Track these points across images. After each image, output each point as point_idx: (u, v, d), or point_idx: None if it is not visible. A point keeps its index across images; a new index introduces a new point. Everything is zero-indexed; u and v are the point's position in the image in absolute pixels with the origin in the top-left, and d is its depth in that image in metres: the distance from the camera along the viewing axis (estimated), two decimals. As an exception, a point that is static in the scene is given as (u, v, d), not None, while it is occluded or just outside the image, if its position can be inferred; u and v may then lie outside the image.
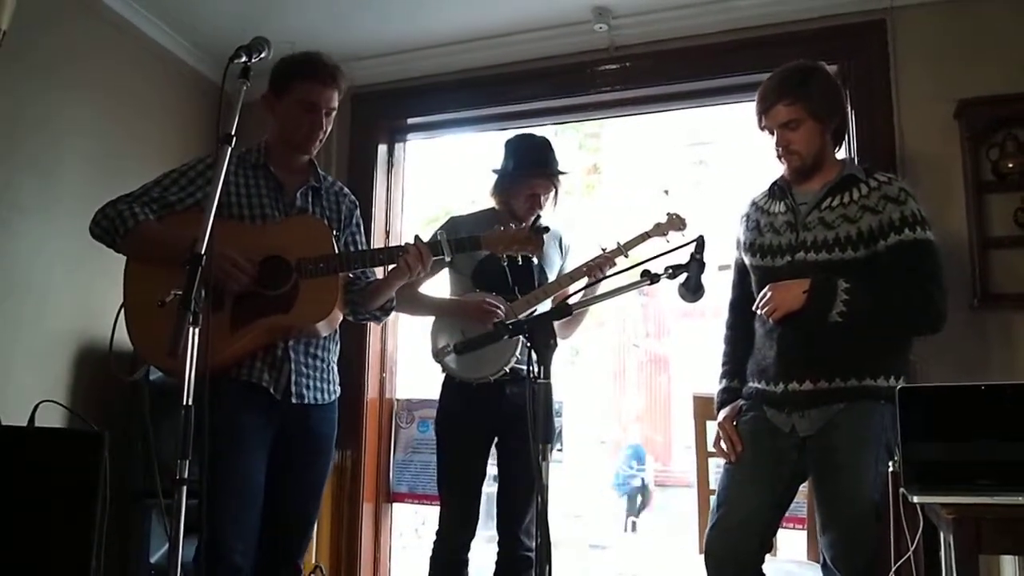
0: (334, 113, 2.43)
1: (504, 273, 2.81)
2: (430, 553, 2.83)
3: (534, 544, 1.75)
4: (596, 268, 2.80)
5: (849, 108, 3.01)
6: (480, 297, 2.78)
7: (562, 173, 2.91)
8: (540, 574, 1.71)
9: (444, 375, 2.89)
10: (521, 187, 2.87)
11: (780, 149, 2.36)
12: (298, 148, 2.42)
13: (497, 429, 2.83)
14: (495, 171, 2.98)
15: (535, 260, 2.87)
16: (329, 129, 2.44)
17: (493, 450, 2.89)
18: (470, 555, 2.84)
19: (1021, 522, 1.89)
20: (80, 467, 2.25)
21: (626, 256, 2.84)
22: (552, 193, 2.91)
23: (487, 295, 2.79)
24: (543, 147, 2.94)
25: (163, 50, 3.66)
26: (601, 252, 2.82)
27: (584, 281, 2.83)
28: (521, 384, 2.80)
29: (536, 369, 1.81)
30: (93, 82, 3.30)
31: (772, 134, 2.37)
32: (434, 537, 2.84)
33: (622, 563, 7.15)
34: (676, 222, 2.89)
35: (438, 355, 2.84)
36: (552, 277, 2.94)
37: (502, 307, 2.75)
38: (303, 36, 2.50)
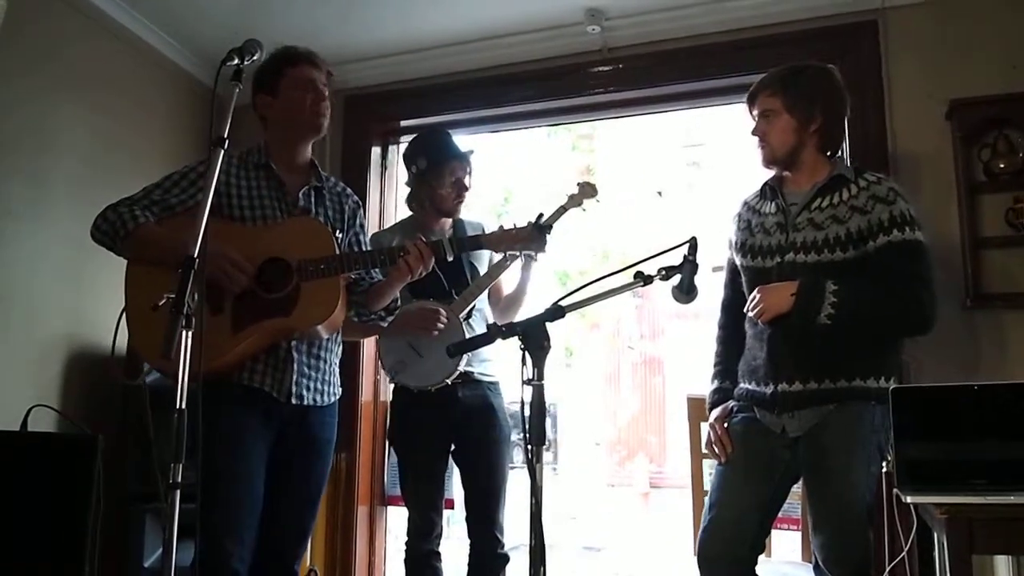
0: (328, 94, 2.42)
1: (438, 277, 2.83)
2: (403, 556, 2.88)
3: (526, 542, 1.75)
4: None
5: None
6: (417, 306, 2.81)
7: (471, 152, 3.00)
8: (534, 575, 1.71)
9: (393, 387, 2.96)
10: (443, 176, 2.93)
11: (756, 139, 2.39)
12: (309, 126, 2.40)
13: (453, 433, 2.88)
14: (408, 181, 3.05)
15: (464, 257, 2.92)
16: (329, 111, 2.42)
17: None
18: (441, 548, 2.91)
19: (1014, 522, 1.90)
20: (73, 471, 2.25)
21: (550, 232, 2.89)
22: (469, 175, 3.00)
23: (424, 303, 2.82)
24: (447, 135, 3.06)
25: (155, 53, 3.66)
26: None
27: (518, 264, 2.92)
28: (473, 387, 2.88)
29: (530, 371, 1.81)
30: (84, 86, 3.29)
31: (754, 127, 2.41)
32: (405, 539, 2.89)
33: (617, 565, 7.14)
34: (588, 190, 2.96)
35: (391, 371, 2.88)
36: (482, 270, 2.98)
37: (442, 311, 2.78)
38: (295, 38, 2.49)
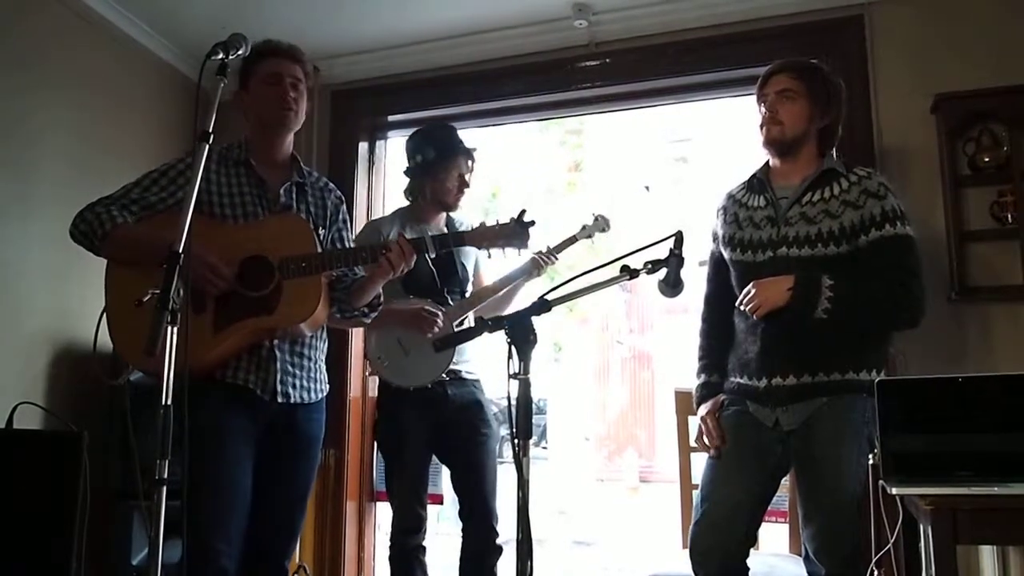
0: (303, 87, 2.39)
1: (432, 275, 2.87)
2: (388, 554, 2.89)
3: (515, 537, 1.75)
4: (532, 270, 2.94)
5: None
6: (418, 305, 2.82)
7: (475, 150, 3.04)
8: (522, 570, 1.71)
9: (379, 383, 2.98)
10: (451, 171, 2.96)
11: (767, 115, 2.36)
12: (275, 124, 2.37)
13: (441, 429, 2.89)
14: (409, 170, 3.05)
15: (456, 255, 2.96)
16: (303, 105, 2.39)
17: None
18: (430, 543, 2.94)
19: (998, 512, 1.91)
20: (59, 468, 2.25)
21: (555, 259, 2.97)
22: (471, 172, 3.03)
23: (424, 302, 2.83)
24: (454, 130, 3.10)
25: (140, 47, 3.63)
26: (533, 256, 2.91)
27: (529, 281, 2.98)
28: (460, 385, 2.91)
29: (516, 365, 1.81)
30: (70, 80, 3.27)
31: (764, 105, 2.38)
32: (389, 537, 2.90)
33: (606, 558, 7.16)
34: (601, 223, 3.04)
35: (376, 363, 2.89)
36: (470, 268, 3.02)
37: (440, 315, 2.80)
38: (282, 33, 2.47)
